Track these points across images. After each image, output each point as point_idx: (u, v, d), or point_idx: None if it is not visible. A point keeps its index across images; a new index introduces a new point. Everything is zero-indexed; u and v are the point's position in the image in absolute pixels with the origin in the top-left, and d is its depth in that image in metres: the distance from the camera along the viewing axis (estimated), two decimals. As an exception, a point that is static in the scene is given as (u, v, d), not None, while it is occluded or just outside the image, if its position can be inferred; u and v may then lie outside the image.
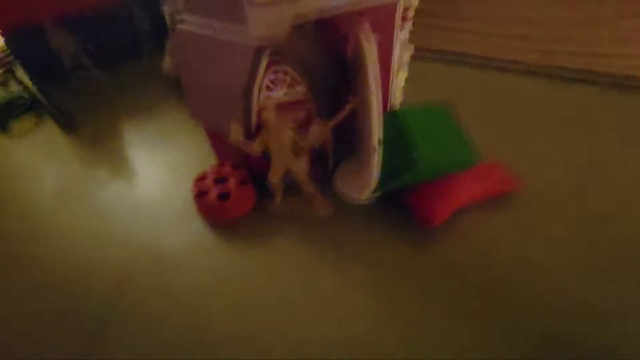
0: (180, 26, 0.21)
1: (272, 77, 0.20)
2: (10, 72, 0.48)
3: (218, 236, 0.23)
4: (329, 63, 0.22)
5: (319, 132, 0.20)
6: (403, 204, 0.23)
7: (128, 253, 0.22)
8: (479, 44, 0.40)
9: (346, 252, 0.21)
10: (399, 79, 0.33)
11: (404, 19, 0.27)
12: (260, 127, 0.21)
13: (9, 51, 0.54)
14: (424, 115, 0.23)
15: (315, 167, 0.25)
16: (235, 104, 0.20)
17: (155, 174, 0.29)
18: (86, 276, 0.21)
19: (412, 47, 0.32)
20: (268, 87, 0.20)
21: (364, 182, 0.22)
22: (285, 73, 0.20)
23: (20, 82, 0.45)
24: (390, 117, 0.23)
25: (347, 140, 0.26)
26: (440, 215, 0.21)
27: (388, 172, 0.21)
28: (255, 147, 0.20)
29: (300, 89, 0.21)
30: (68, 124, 0.35)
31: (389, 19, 0.24)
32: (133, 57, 0.50)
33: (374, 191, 0.24)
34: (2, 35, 0.42)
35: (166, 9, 0.36)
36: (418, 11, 0.32)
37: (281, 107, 0.20)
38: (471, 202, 0.22)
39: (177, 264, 0.21)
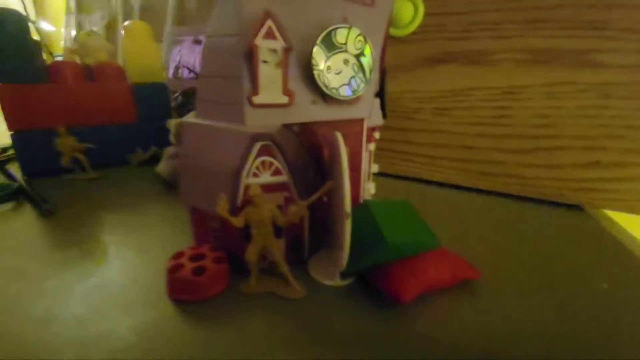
0: (186, 119, 0.26)
1: (259, 164, 0.24)
2: (1, 166, 0.50)
3: (186, 317, 0.22)
4: (308, 160, 0.27)
5: (296, 211, 0.23)
6: (374, 285, 0.24)
7: (84, 335, 0.20)
8: (428, 165, 0.48)
9: (318, 333, 0.20)
10: (369, 187, 0.39)
11: (370, 138, 0.34)
12: (244, 204, 0.23)
13: (9, 150, 0.58)
14: (389, 206, 0.27)
15: (291, 253, 0.26)
16: (225, 184, 0.23)
17: (127, 256, 0.28)
18: None
19: (376, 166, 0.39)
20: (255, 174, 0.24)
21: (338, 256, 0.23)
22: (271, 163, 0.24)
23: (9, 175, 0.47)
24: (360, 207, 0.27)
25: (321, 233, 0.29)
26: (410, 290, 0.21)
27: (358, 255, 0.23)
28: (238, 221, 0.22)
29: (283, 178, 0.25)
30: (47, 212, 0.36)
31: (358, 131, 0.30)
32: (129, 162, 0.55)
33: (346, 275, 0.25)
34: (11, 137, 0.46)
35: (172, 122, 0.43)
36: (379, 138, 0.40)
37: (265, 187, 0.23)
38: (439, 284, 0.23)
39: (140, 346, 0.19)
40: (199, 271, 0.23)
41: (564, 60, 0.39)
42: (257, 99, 0.24)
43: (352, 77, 0.26)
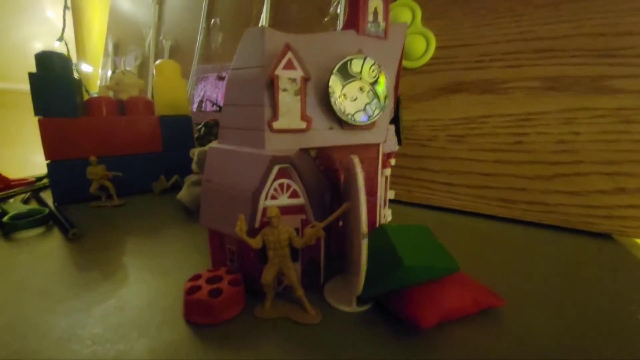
0: (211, 145, 0.28)
1: (277, 186, 0.24)
2: (35, 194, 0.53)
3: (201, 340, 0.21)
4: (325, 184, 0.27)
5: (313, 232, 0.23)
6: (392, 311, 0.23)
7: (102, 354, 0.20)
8: (445, 193, 0.48)
9: (333, 358, 0.20)
10: (386, 213, 0.39)
11: (386, 164, 0.35)
12: (262, 226, 0.24)
13: (44, 178, 0.61)
14: (407, 229, 0.26)
15: (307, 277, 0.26)
16: (244, 206, 0.24)
17: (146, 279, 0.29)
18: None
19: (392, 192, 0.39)
20: (273, 196, 0.24)
21: (354, 281, 0.23)
22: (289, 185, 0.25)
23: (41, 202, 0.50)
24: (377, 231, 0.26)
25: (338, 258, 0.29)
26: (430, 316, 0.21)
27: (375, 279, 0.23)
28: (256, 242, 0.22)
29: (300, 200, 0.25)
30: (74, 236, 0.37)
31: (374, 156, 0.30)
32: (152, 189, 0.57)
33: (363, 301, 0.24)
34: (48, 166, 0.50)
35: (194, 151, 0.45)
36: (397, 166, 0.40)
37: (283, 209, 0.24)
38: (461, 311, 0.22)
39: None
40: (215, 293, 0.23)
41: (579, 87, 0.39)
42: (276, 125, 0.25)
43: (367, 103, 0.27)
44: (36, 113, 0.48)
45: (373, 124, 0.28)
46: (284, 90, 0.24)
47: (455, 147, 0.47)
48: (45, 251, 0.35)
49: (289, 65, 0.24)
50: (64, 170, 0.50)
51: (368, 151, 0.30)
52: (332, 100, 0.26)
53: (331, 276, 0.28)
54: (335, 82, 0.25)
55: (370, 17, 0.30)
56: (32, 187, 0.57)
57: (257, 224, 0.24)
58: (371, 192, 0.32)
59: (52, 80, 0.48)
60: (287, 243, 0.23)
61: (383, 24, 0.30)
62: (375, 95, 0.27)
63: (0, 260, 0.33)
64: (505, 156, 0.43)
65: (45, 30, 1.16)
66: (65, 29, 1.14)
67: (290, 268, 0.23)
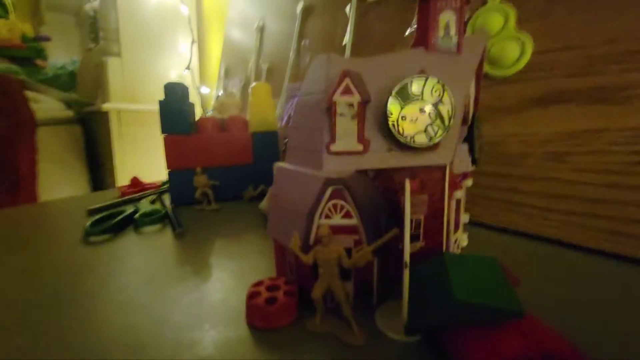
0: (278, 164, 0.31)
1: (331, 206, 0.25)
2: (160, 196, 0.66)
3: (257, 342, 0.24)
4: (382, 205, 0.27)
5: (361, 255, 0.23)
6: (443, 348, 0.21)
7: (180, 339, 0.24)
8: (538, 218, 0.41)
9: (372, 386, 0.20)
10: (461, 238, 0.36)
11: (457, 185, 0.32)
12: (316, 243, 0.25)
13: (166, 184, 0.76)
14: (470, 261, 0.24)
15: (359, 298, 0.27)
16: (300, 222, 0.26)
17: (224, 279, 0.33)
18: (141, 351, 0.23)
19: (467, 216, 0.36)
20: (327, 215, 0.26)
21: (403, 309, 0.22)
22: (342, 206, 0.25)
23: (162, 203, 0.61)
24: (435, 258, 0.25)
25: (393, 281, 0.28)
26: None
27: (423, 310, 0.22)
28: (307, 258, 0.24)
29: (353, 221, 0.26)
30: (180, 234, 0.46)
31: (439, 177, 0.29)
32: (242, 197, 0.64)
33: (411, 331, 0.23)
34: (168, 174, 0.61)
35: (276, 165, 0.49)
36: (476, 184, 0.37)
37: (336, 229, 0.25)
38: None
39: (214, 356, 0.22)
40: (272, 301, 0.25)
41: None
42: (334, 147, 0.26)
43: (429, 124, 0.26)
44: (162, 131, 0.60)
45: (437, 144, 0.27)
46: (341, 114, 0.26)
47: (553, 167, 0.40)
48: (158, 245, 0.43)
49: (346, 91, 0.25)
50: (179, 178, 0.61)
51: (432, 173, 0.29)
52: (390, 122, 0.25)
53: (386, 299, 0.28)
54: (393, 105, 0.25)
55: (441, 32, 0.29)
56: (158, 190, 0.70)
57: (311, 241, 0.25)
58: (436, 215, 0.30)
59: (173, 106, 0.60)
60: (336, 262, 0.24)
61: (456, 37, 0.29)
62: (439, 115, 0.26)
63: (127, 249, 0.42)
64: (621, 180, 0.35)
65: (178, 61, 1.43)
66: (192, 59, 1.39)
67: (338, 287, 0.24)
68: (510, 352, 0.19)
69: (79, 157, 1.37)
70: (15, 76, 1.25)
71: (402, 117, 0.26)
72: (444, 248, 0.31)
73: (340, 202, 0.25)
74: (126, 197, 0.64)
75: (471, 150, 0.32)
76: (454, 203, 0.32)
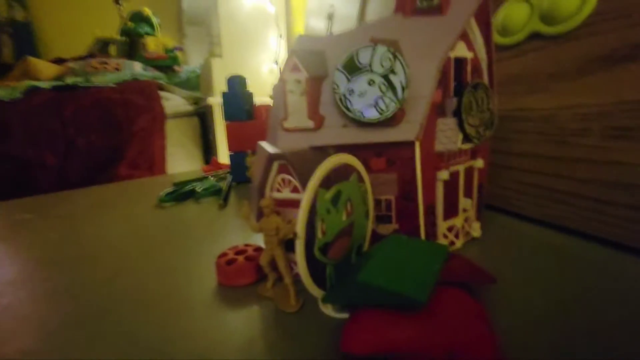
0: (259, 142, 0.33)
1: (280, 180, 0.27)
2: (226, 174, 0.77)
3: (215, 293, 0.28)
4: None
5: (289, 227, 0.24)
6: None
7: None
8: (595, 213, 0.32)
9: (273, 349, 0.21)
10: (468, 225, 0.32)
11: (441, 165, 0.29)
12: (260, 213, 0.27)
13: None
14: (413, 246, 0.22)
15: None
16: (255, 196, 0.28)
17: (239, 240, 0.38)
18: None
19: (469, 201, 0.32)
20: (278, 189, 0.27)
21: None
22: (290, 180, 0.26)
23: (225, 182, 0.71)
24: (384, 241, 0.24)
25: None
26: (362, 344, 0.18)
27: (339, 289, 0.21)
28: (253, 227, 0.26)
29: (300, 195, 0.26)
30: (221, 206, 0.53)
31: (409, 156, 0.26)
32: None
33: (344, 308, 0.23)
34: (229, 156, 0.70)
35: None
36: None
37: (283, 202, 0.26)
38: (412, 349, 0.17)
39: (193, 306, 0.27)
40: (231, 262, 0.29)
41: None
42: (286, 124, 0.27)
43: (380, 97, 0.24)
44: (224, 119, 0.69)
45: (396, 119, 0.25)
46: (291, 91, 0.26)
47: (619, 147, 0.31)
48: (208, 214, 0.51)
49: (295, 68, 0.26)
50: (238, 159, 0.70)
51: (400, 151, 0.27)
52: (337, 97, 0.25)
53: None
54: (339, 78, 0.25)
55: (422, -7, 0.26)
56: (226, 170, 0.82)
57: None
58: (409, 197, 0.28)
59: (232, 96, 0.68)
60: (275, 232, 0.25)
61: (438, -3, 0.26)
62: (390, 86, 0.24)
63: (187, 215, 0.52)
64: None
65: (269, 56, 1.57)
66: (280, 53, 1.51)
67: (279, 256, 0.25)
68: (392, 340, 0.18)
69: (196, 142, 1.67)
70: (155, 81, 1.60)
71: (349, 91, 0.25)
72: (423, 233, 0.28)
73: (288, 177, 0.26)
74: (202, 175, 0.77)
75: (460, 126, 0.28)
76: (440, 185, 0.29)
